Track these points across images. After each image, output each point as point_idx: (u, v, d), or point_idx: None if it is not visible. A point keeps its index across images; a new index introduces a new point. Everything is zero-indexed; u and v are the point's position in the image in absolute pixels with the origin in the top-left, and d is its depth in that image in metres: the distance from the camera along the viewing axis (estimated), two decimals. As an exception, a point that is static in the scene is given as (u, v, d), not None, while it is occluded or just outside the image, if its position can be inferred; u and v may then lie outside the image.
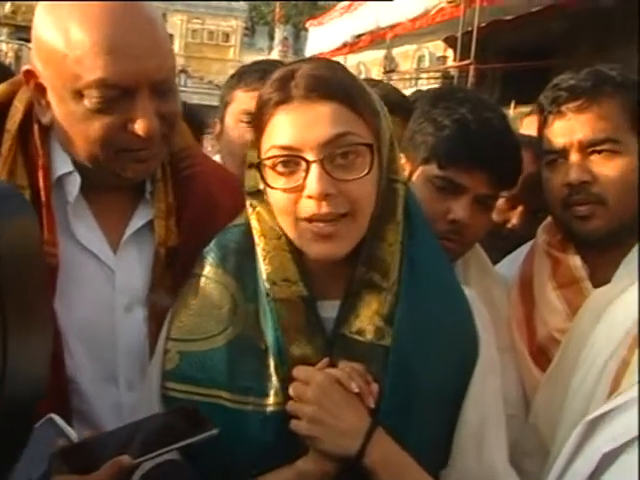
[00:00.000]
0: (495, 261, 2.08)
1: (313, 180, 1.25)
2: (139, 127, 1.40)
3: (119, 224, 1.55)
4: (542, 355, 1.79)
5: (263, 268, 1.35)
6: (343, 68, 1.36)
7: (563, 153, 1.75)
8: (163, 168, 1.59)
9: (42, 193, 1.44)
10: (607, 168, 1.70)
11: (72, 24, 1.37)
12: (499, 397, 1.42)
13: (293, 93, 1.28)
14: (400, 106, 2.33)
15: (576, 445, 1.28)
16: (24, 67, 1.48)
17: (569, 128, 1.73)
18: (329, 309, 1.36)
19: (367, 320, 1.32)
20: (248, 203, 1.40)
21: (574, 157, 1.73)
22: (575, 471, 1.27)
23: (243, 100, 2.38)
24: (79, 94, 1.38)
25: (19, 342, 0.75)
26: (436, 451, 1.36)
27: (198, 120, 3.30)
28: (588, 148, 1.71)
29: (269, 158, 1.29)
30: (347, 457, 1.26)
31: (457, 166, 1.70)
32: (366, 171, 1.27)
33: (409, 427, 1.31)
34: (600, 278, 1.73)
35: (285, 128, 1.28)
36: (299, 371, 1.30)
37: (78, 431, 1.39)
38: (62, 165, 1.48)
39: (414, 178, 1.77)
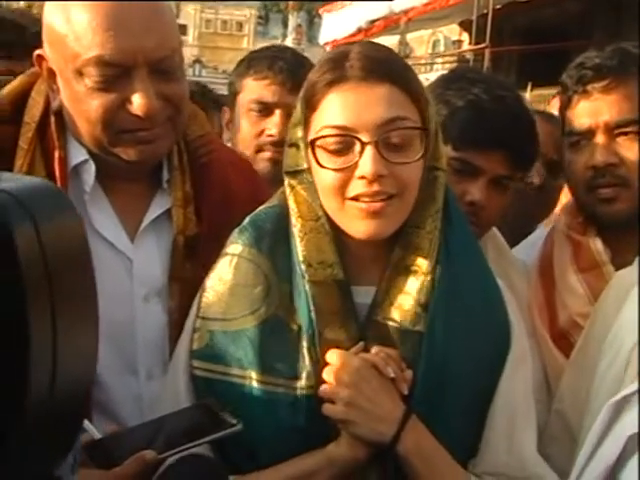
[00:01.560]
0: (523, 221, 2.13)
1: (367, 161, 1.25)
2: (136, 106, 1.40)
3: (137, 213, 1.54)
4: (564, 339, 1.77)
5: (299, 250, 1.34)
6: (394, 51, 1.37)
7: (588, 134, 1.71)
8: (180, 156, 1.58)
9: (58, 183, 1.43)
10: (633, 150, 1.66)
11: (73, 5, 1.39)
12: (529, 388, 1.42)
13: (349, 73, 1.27)
14: None
15: (603, 428, 1.27)
16: (36, 52, 1.49)
17: (595, 109, 1.69)
18: (363, 295, 1.36)
19: (402, 306, 1.32)
20: (287, 183, 1.38)
21: (600, 139, 1.69)
22: (602, 454, 1.25)
23: (253, 89, 2.33)
24: (79, 73, 1.39)
25: (69, 341, 0.75)
26: (466, 440, 1.36)
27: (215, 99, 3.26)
28: (614, 130, 1.67)
29: (322, 137, 1.28)
30: (381, 443, 1.26)
31: (472, 147, 1.69)
32: (419, 155, 1.28)
33: (440, 415, 1.31)
34: (621, 262, 1.70)
35: (340, 108, 1.28)
36: (334, 355, 1.30)
37: (98, 422, 1.40)
38: (77, 154, 1.49)
39: None
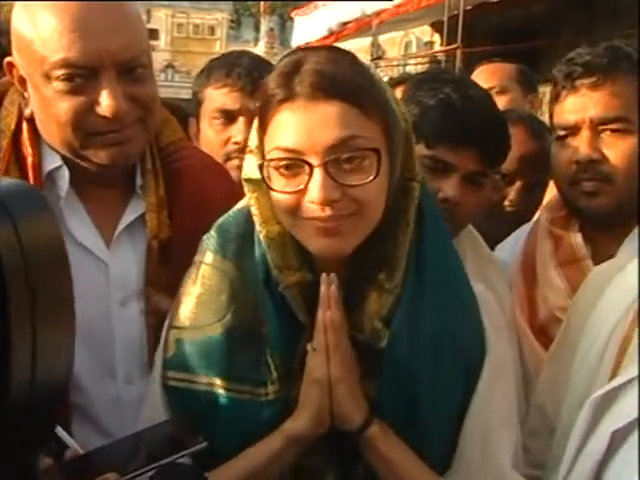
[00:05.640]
0: (497, 240, 2.10)
1: (316, 186, 1.19)
2: (104, 107, 1.40)
3: (112, 219, 1.54)
4: (544, 334, 1.79)
5: (269, 256, 1.31)
6: (351, 60, 1.27)
7: (574, 129, 1.74)
8: (153, 161, 1.58)
9: None
10: (617, 147, 1.69)
11: (38, 9, 1.39)
12: (510, 399, 1.40)
13: (298, 91, 1.20)
14: None
15: (588, 425, 1.28)
16: (6, 59, 1.48)
17: (582, 105, 1.72)
18: None
19: (367, 319, 1.30)
20: (246, 189, 1.35)
21: (585, 134, 1.71)
22: (589, 451, 1.26)
23: (214, 98, 2.34)
24: (47, 77, 1.39)
25: (48, 338, 0.77)
26: (441, 454, 1.34)
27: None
28: (599, 126, 1.70)
29: (272, 160, 1.24)
30: (349, 428, 1.28)
31: (444, 144, 1.70)
32: (372, 176, 1.21)
33: (411, 429, 1.30)
34: (603, 257, 1.72)
35: (289, 129, 1.21)
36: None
37: (77, 425, 1.40)
38: (51, 161, 1.48)
39: None
